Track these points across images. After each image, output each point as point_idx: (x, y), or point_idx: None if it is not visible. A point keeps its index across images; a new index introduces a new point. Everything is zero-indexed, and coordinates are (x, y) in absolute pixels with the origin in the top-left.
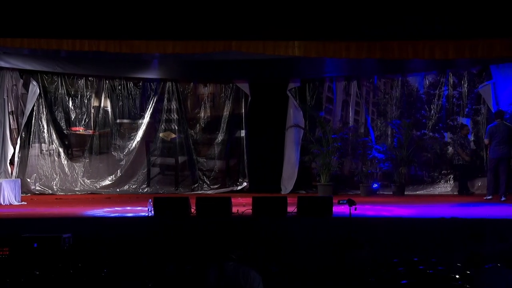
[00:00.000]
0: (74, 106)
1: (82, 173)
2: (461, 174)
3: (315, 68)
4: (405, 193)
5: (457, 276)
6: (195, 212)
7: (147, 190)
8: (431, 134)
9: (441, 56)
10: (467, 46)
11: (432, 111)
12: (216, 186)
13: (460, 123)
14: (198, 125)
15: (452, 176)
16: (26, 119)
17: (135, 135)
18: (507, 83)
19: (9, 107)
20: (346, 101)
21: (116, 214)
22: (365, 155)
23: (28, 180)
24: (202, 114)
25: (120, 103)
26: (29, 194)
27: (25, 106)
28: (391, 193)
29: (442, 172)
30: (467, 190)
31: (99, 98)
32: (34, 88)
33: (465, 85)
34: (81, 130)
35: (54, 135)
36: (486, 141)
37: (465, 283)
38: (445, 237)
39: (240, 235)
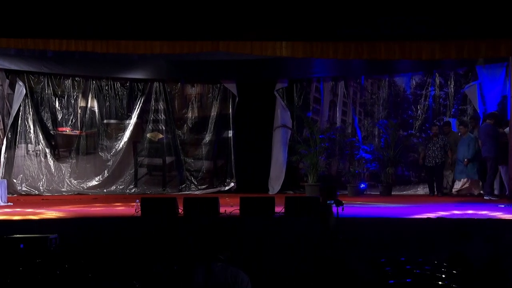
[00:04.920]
0: (60, 107)
1: (69, 174)
2: (429, 175)
3: (303, 68)
4: (392, 193)
5: (444, 276)
6: (182, 212)
7: (134, 191)
8: (418, 134)
9: (428, 57)
10: (453, 47)
11: (419, 112)
12: (203, 186)
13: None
14: (185, 125)
15: None
16: (12, 119)
17: (122, 136)
18: (493, 84)
19: None
20: (333, 102)
21: (103, 215)
22: (352, 155)
23: (15, 180)
24: (189, 115)
25: (107, 103)
26: (15, 195)
27: (11, 106)
28: (378, 193)
29: None
30: (432, 192)
31: (86, 98)
32: (21, 89)
33: (452, 86)
34: (67, 131)
35: (41, 136)
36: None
37: (451, 283)
38: (432, 237)
39: (228, 235)
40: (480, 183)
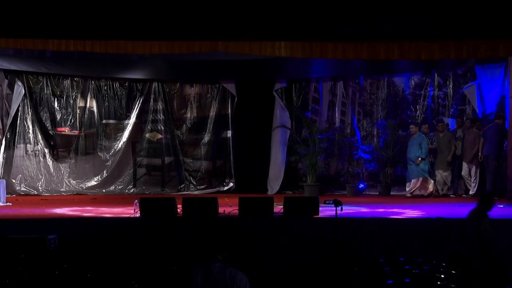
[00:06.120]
0: (59, 107)
1: (67, 174)
2: None
3: (302, 68)
4: (391, 193)
5: (443, 276)
6: (181, 212)
7: (133, 191)
8: None
9: (427, 57)
10: (452, 47)
11: (418, 112)
12: (202, 186)
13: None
14: (184, 125)
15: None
16: (11, 119)
17: (121, 136)
18: (492, 84)
19: None
20: (332, 102)
21: (102, 215)
22: (351, 155)
23: (13, 181)
24: (188, 115)
25: (106, 103)
26: (14, 195)
27: (10, 106)
28: (377, 193)
29: None
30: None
31: (84, 98)
32: (19, 89)
33: (450, 86)
34: (66, 131)
35: (40, 136)
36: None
37: (450, 283)
38: (431, 237)
39: (227, 235)
40: (432, 183)
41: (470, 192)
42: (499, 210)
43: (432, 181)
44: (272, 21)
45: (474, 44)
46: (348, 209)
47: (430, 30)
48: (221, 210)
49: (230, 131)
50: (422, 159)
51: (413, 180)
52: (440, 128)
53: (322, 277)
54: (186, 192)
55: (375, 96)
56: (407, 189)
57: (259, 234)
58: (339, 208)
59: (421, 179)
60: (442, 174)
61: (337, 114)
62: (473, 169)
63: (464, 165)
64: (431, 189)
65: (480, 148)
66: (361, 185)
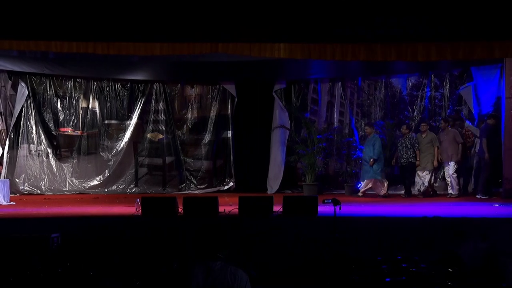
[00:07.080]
0: (62, 107)
1: (70, 174)
2: (401, 175)
3: (301, 69)
4: (389, 192)
5: (439, 274)
6: (182, 211)
7: (135, 190)
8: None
9: (424, 58)
10: (448, 48)
11: (415, 112)
12: (203, 186)
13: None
14: (185, 126)
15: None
16: (14, 120)
17: (123, 136)
18: (487, 85)
19: None
20: (331, 102)
21: (104, 214)
22: (349, 155)
23: (17, 180)
24: (189, 115)
25: (108, 104)
26: (17, 194)
27: (13, 107)
28: (375, 192)
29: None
30: (408, 192)
31: (87, 99)
32: (23, 90)
33: (447, 87)
34: (69, 131)
35: (43, 136)
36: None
37: (446, 280)
38: (428, 235)
39: (227, 234)
40: (386, 184)
41: (453, 192)
42: (494, 209)
43: (386, 182)
44: (272, 23)
45: (470, 45)
46: (346, 208)
47: (427, 32)
48: (221, 209)
49: (230, 131)
50: (374, 160)
51: (365, 181)
52: (422, 129)
53: (320, 276)
54: (187, 192)
55: (373, 97)
56: (361, 189)
57: (258, 233)
58: (337, 207)
59: (372, 180)
60: (420, 175)
61: (335, 114)
62: (454, 167)
63: (445, 165)
64: (385, 190)
65: (463, 148)
66: (359, 185)
